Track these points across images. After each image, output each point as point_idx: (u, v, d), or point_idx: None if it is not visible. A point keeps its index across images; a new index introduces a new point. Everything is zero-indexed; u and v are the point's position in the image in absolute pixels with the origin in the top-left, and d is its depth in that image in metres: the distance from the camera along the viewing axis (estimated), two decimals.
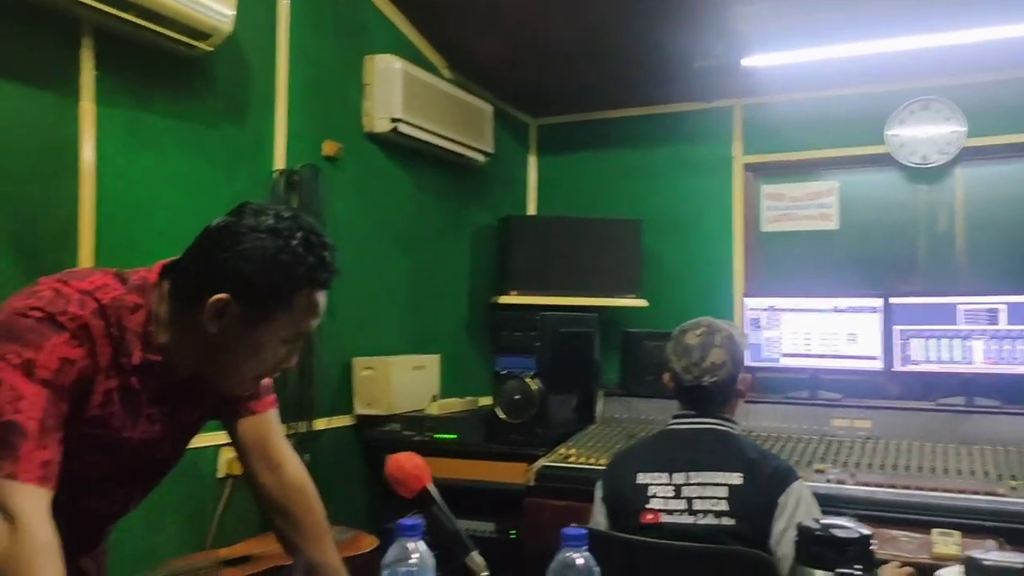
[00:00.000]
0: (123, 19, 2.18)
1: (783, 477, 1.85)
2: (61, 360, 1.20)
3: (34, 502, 1.12)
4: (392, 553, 1.14)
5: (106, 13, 2.15)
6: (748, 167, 3.98)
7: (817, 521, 1.17)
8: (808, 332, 3.37)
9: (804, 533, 1.14)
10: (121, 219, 2.34)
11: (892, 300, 3.27)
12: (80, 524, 1.31)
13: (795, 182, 3.90)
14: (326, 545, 1.48)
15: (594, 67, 3.77)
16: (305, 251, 1.27)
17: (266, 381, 1.50)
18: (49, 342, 1.19)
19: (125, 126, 2.36)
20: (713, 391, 1.98)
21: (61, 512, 1.16)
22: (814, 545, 1.11)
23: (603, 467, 2.23)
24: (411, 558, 1.14)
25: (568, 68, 3.78)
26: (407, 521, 1.15)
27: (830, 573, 1.08)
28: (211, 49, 2.45)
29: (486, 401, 3.43)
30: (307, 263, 1.27)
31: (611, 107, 4.22)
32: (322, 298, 1.32)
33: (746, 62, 3.41)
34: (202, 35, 2.38)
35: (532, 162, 4.47)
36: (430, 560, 1.15)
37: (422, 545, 1.15)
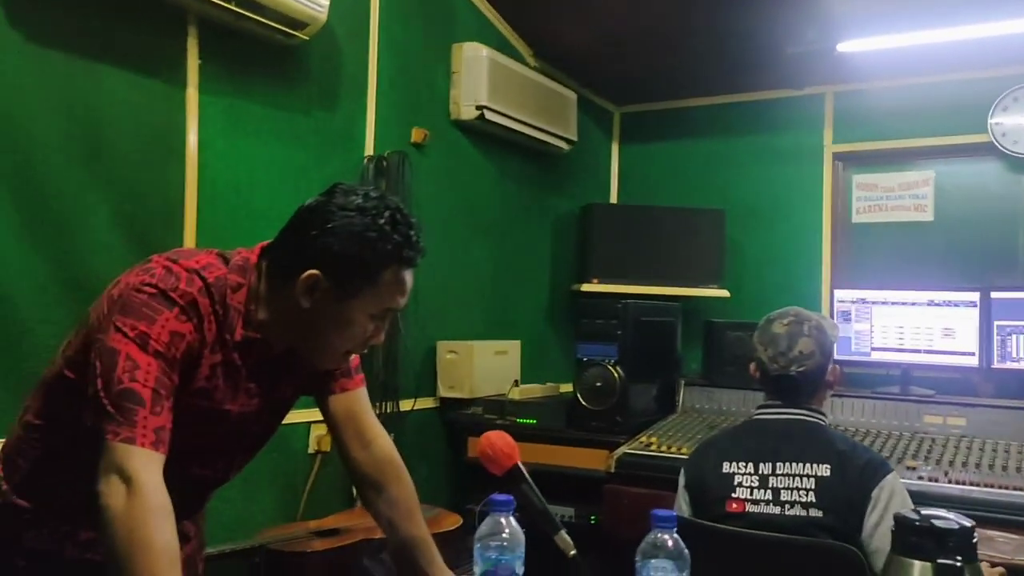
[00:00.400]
0: (226, 9, 2.27)
1: (875, 470, 1.80)
2: (172, 334, 1.26)
3: (149, 465, 1.18)
4: (484, 527, 1.16)
5: (210, 3, 2.24)
6: (838, 156, 3.87)
7: (916, 511, 1.14)
8: (900, 326, 3.26)
9: (902, 523, 1.10)
10: (221, 201, 2.44)
11: (993, 295, 3.13)
12: (184, 490, 1.37)
13: (888, 172, 3.78)
14: (416, 518, 1.51)
15: (680, 54, 3.71)
16: (391, 229, 1.30)
17: (355, 361, 1.54)
18: (161, 316, 1.25)
19: (226, 113, 2.45)
20: (801, 381, 1.94)
21: (168, 478, 1.21)
22: (913, 535, 1.08)
23: (684, 456, 2.21)
24: (503, 533, 1.16)
25: (653, 55, 3.74)
26: (499, 496, 1.16)
27: (929, 564, 1.05)
28: (307, 38, 2.52)
29: (566, 388, 3.44)
30: (393, 240, 1.30)
31: (696, 95, 4.16)
32: (408, 276, 1.35)
33: (841, 47, 3.31)
34: (299, 24, 2.45)
35: (615, 150, 4.44)
36: (521, 535, 1.17)
37: (513, 521, 1.17)
